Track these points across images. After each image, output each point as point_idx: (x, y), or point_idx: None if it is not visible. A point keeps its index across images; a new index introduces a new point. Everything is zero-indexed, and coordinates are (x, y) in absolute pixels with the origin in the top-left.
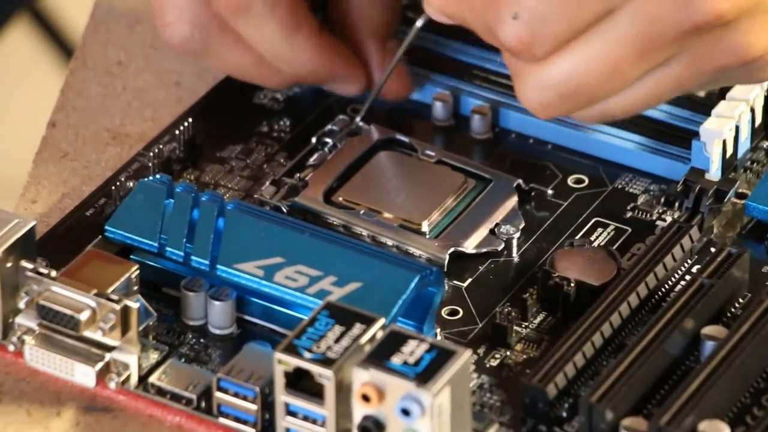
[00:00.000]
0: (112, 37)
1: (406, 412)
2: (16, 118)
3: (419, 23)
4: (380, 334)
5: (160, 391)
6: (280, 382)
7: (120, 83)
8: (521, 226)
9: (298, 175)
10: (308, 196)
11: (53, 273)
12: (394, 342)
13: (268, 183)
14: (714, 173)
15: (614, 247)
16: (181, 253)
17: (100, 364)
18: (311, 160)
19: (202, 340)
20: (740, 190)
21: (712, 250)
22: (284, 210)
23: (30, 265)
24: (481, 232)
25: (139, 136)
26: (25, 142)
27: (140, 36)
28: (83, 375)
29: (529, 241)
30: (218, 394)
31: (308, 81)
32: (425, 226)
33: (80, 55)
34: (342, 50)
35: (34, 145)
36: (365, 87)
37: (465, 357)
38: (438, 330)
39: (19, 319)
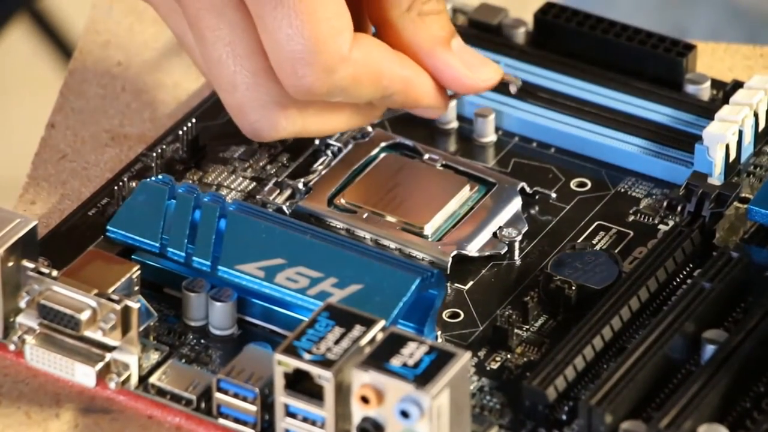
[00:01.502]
0: (111, 38)
1: (405, 414)
2: (15, 119)
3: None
4: (380, 336)
5: (160, 392)
6: (279, 383)
7: (119, 84)
8: (524, 230)
9: (302, 179)
10: (312, 200)
11: (54, 273)
12: (393, 344)
13: (271, 184)
14: (717, 177)
15: (616, 251)
16: (183, 254)
17: (100, 364)
18: (315, 164)
19: (202, 341)
20: (743, 195)
21: (714, 254)
22: (287, 211)
23: (31, 265)
24: (484, 236)
25: (138, 138)
26: (24, 143)
27: (139, 37)
28: (83, 375)
29: (532, 245)
30: (218, 395)
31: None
32: (428, 229)
33: (79, 56)
34: (427, 78)
35: (33, 146)
36: (446, 105)
37: (464, 359)
38: (439, 332)
39: (20, 319)
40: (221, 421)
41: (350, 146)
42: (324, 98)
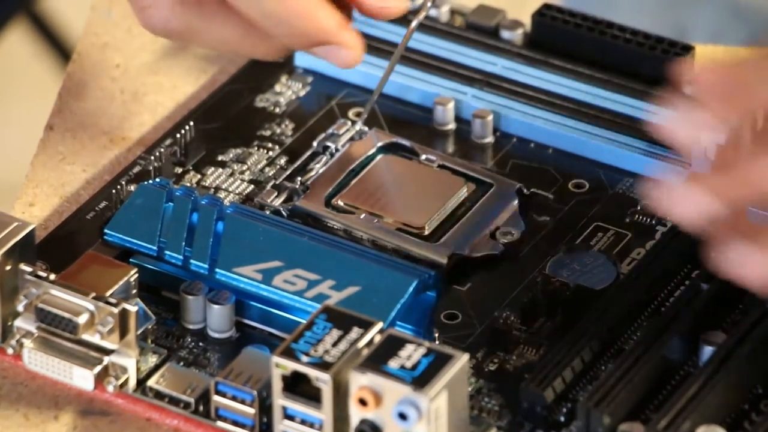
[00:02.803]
0: (109, 41)
1: (403, 417)
2: (14, 121)
3: (415, 23)
4: (378, 338)
5: (159, 395)
6: (277, 385)
7: (117, 86)
8: (522, 231)
9: (299, 179)
10: (309, 200)
11: (52, 276)
12: (391, 346)
13: (269, 187)
14: None
15: (614, 252)
16: (180, 257)
17: (98, 368)
18: (312, 164)
19: (201, 344)
20: None
21: None
22: (284, 214)
23: (29, 268)
24: (482, 237)
25: (137, 140)
26: (23, 145)
27: (138, 39)
28: (81, 378)
29: (529, 246)
30: (216, 398)
31: (299, 46)
32: (425, 231)
33: (78, 59)
34: (335, 12)
35: (32, 149)
36: (360, 54)
37: (462, 361)
38: (437, 334)
39: (18, 322)
40: (219, 423)
41: (347, 146)
42: None
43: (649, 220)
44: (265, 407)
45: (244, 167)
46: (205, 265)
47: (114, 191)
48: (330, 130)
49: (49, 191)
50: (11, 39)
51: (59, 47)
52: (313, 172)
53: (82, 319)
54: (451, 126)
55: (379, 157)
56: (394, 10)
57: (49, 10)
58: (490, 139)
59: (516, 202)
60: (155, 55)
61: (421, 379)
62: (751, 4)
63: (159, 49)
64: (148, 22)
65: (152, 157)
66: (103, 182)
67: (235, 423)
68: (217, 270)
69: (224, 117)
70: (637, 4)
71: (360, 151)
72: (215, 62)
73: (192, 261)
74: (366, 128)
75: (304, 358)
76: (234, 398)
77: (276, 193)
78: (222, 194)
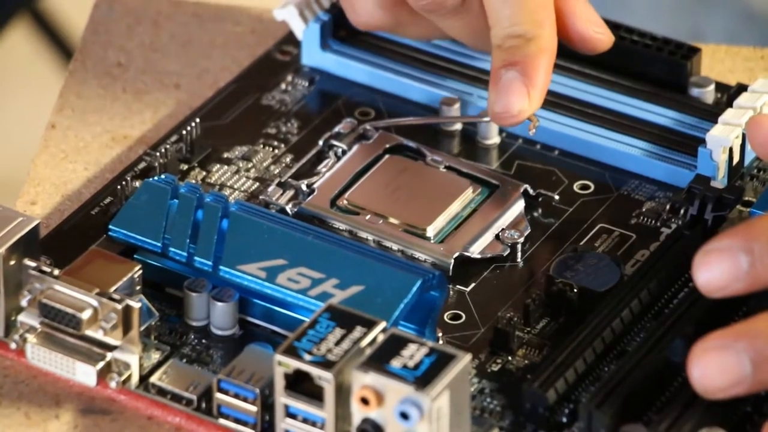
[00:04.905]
0: (111, 39)
1: (404, 416)
2: (16, 119)
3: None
4: (381, 338)
5: (161, 392)
6: (279, 383)
7: (119, 85)
8: (527, 232)
9: (306, 181)
10: (315, 201)
11: (56, 271)
12: (394, 345)
13: (274, 185)
14: (720, 181)
15: (618, 254)
16: (185, 254)
17: (101, 364)
18: (318, 167)
19: (204, 341)
20: (746, 198)
21: None
22: (289, 212)
23: (33, 264)
24: (487, 238)
25: (138, 138)
26: (24, 143)
27: (140, 38)
28: (84, 374)
29: (534, 247)
30: (218, 395)
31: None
32: (430, 231)
33: (80, 57)
34: None
35: (34, 147)
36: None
37: (464, 361)
38: (440, 334)
39: (22, 317)
40: (221, 421)
41: (355, 148)
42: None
43: (653, 222)
44: (267, 405)
45: (250, 165)
46: (209, 263)
47: (119, 187)
48: (336, 129)
49: (51, 189)
50: (13, 37)
51: (61, 45)
52: (319, 175)
53: (85, 315)
54: (457, 127)
55: (384, 158)
56: (606, 40)
57: (51, 8)
58: (495, 140)
59: (521, 203)
60: (157, 53)
61: (423, 378)
62: (764, 7)
63: (161, 48)
64: (355, 18)
65: (158, 154)
66: (105, 180)
67: (237, 421)
68: (221, 267)
69: (230, 114)
70: (650, 7)
71: (366, 152)
72: (218, 61)
73: (196, 258)
74: (372, 129)
75: (307, 357)
76: (236, 396)
77: (281, 191)
78: (227, 191)
